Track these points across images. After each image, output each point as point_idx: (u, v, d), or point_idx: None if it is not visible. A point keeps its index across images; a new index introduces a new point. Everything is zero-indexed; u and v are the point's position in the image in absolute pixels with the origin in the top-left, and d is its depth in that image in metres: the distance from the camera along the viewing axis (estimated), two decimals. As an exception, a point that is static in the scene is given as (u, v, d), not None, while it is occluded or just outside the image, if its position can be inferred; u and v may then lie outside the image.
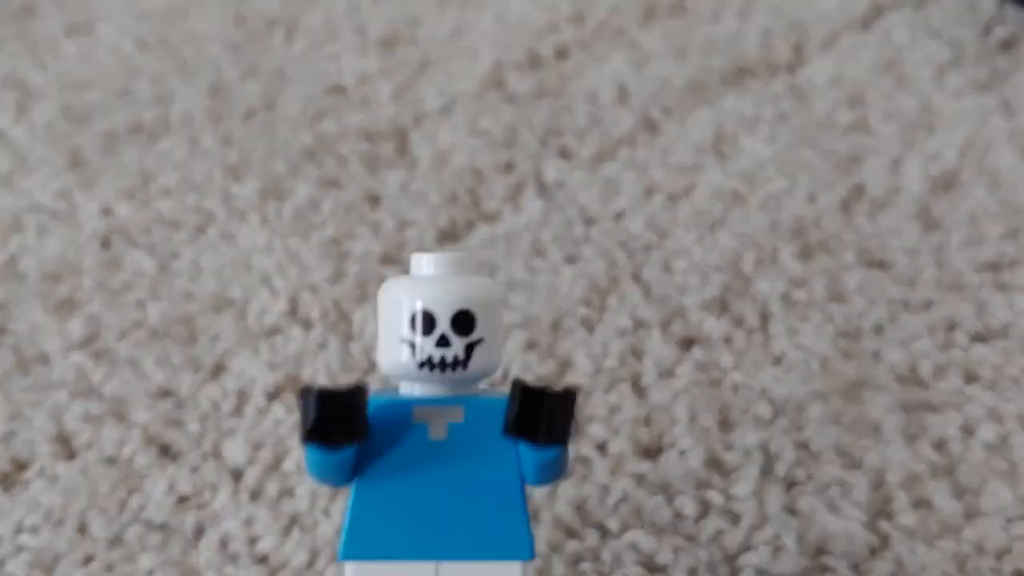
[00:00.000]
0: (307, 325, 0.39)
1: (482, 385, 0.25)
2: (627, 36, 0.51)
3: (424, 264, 0.24)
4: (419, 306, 0.23)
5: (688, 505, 0.33)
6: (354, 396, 0.22)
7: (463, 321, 0.23)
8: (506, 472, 0.23)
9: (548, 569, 0.32)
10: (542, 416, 0.22)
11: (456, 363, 0.23)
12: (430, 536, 0.22)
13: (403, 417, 0.23)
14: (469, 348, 0.23)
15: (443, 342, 0.23)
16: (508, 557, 0.22)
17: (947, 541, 0.32)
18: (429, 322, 0.23)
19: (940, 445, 0.35)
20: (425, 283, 0.24)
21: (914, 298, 0.39)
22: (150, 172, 0.45)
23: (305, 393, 0.21)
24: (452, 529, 0.22)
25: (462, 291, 0.23)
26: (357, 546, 0.22)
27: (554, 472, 0.23)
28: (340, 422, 0.22)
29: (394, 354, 0.23)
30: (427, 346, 0.23)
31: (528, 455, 0.23)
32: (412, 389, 0.24)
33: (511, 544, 0.22)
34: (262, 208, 0.43)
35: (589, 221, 0.42)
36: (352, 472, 0.23)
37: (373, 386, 0.24)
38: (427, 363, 0.23)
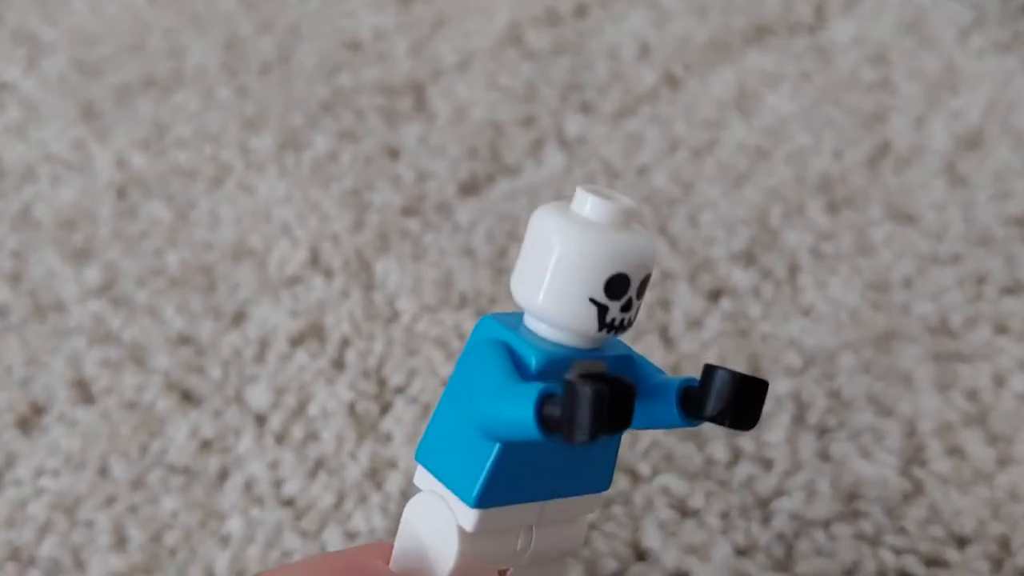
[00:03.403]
0: (328, 274, 0.38)
1: None
2: (646, -5, 0.50)
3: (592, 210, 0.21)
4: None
5: (720, 451, 0.33)
6: (628, 397, 0.20)
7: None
8: None
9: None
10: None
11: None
12: (541, 481, 0.22)
13: (561, 372, 0.21)
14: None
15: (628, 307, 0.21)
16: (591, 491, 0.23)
17: (980, 487, 0.32)
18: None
19: (972, 394, 0.34)
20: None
21: (942, 252, 0.39)
22: (165, 124, 0.44)
23: (573, 392, 0.19)
24: (558, 474, 0.22)
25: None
26: (490, 496, 0.21)
27: None
28: (612, 421, 0.20)
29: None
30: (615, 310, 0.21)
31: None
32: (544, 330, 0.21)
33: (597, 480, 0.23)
34: (280, 159, 0.43)
35: (613, 174, 0.42)
36: None
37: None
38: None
